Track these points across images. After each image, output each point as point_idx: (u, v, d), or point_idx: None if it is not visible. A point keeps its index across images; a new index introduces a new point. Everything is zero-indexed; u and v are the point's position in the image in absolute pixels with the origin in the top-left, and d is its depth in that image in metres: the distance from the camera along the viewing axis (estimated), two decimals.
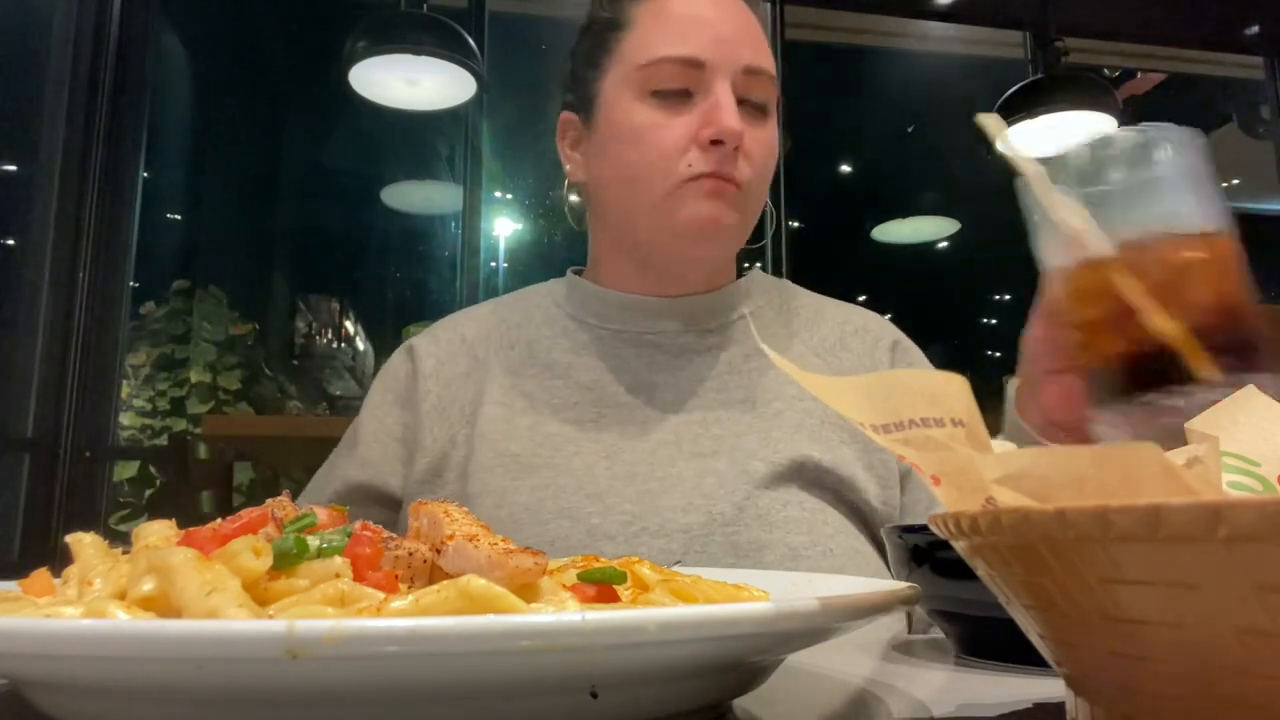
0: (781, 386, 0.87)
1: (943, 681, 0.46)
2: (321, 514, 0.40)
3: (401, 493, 0.89)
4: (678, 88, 0.82)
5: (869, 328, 0.95)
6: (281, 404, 4.83)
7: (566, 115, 0.92)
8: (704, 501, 0.79)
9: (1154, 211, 0.45)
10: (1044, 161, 0.47)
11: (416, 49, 2.63)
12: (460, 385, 0.90)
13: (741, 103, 0.83)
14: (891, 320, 0.99)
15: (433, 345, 0.93)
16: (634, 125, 0.83)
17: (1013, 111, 3.05)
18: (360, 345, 5.77)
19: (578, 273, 0.96)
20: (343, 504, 0.86)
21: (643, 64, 0.83)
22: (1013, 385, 0.63)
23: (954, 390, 0.28)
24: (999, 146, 0.48)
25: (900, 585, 0.38)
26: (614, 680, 0.29)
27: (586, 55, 0.89)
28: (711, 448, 0.83)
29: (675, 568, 0.45)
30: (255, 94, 5.10)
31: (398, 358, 0.95)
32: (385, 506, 0.88)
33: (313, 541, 0.34)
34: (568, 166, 0.93)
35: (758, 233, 0.91)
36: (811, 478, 0.82)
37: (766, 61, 0.85)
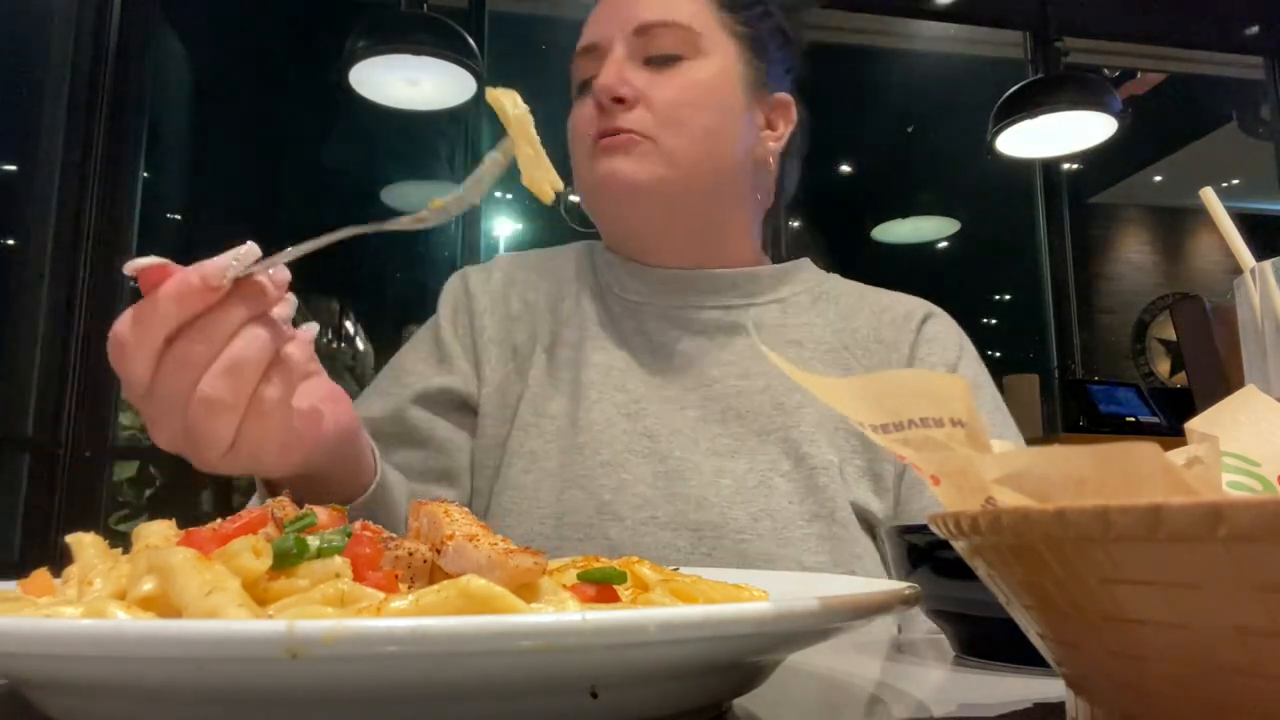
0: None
1: (943, 681, 0.46)
2: (321, 514, 0.40)
3: (477, 404, 0.90)
4: (587, 78, 0.89)
5: (908, 310, 0.95)
6: None
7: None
8: (720, 502, 0.79)
9: None
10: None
11: (416, 49, 2.63)
12: (512, 327, 0.92)
13: (647, 61, 0.86)
14: None
15: (486, 283, 0.95)
16: (570, 121, 0.92)
17: (1013, 111, 3.04)
18: (360, 345, 5.76)
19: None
20: (425, 406, 0.88)
21: (571, 66, 0.92)
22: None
23: (954, 390, 0.28)
24: (1226, 235, 0.44)
25: (900, 585, 0.38)
26: (614, 680, 0.29)
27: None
28: (730, 447, 0.83)
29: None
30: (255, 94, 5.09)
31: (455, 283, 0.96)
32: (464, 415, 0.89)
33: (313, 541, 0.34)
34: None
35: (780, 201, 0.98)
36: (834, 507, 0.81)
37: (664, 12, 0.87)
